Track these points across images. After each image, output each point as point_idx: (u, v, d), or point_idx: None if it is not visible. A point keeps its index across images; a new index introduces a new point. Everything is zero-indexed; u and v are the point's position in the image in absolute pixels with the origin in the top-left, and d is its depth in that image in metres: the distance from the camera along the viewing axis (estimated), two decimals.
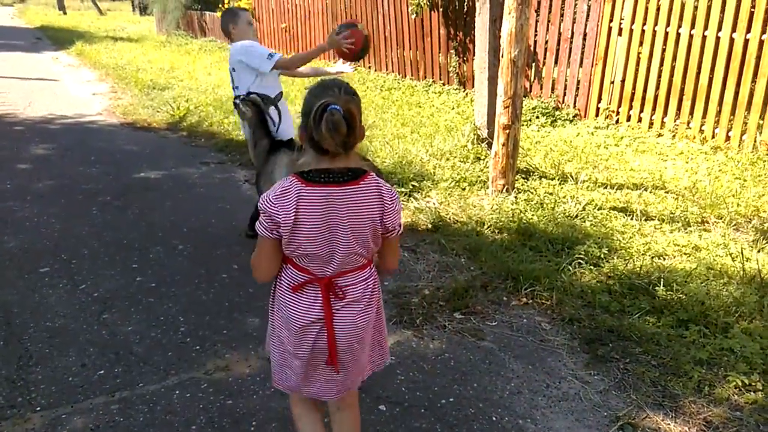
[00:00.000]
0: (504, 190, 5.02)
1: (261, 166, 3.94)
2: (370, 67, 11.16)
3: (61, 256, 4.13)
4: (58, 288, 3.70)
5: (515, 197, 4.93)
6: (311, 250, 1.76)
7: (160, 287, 3.72)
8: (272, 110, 4.01)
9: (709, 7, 6.28)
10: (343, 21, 3.78)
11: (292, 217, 1.71)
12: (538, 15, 7.87)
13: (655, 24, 6.72)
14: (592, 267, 3.79)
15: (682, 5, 6.48)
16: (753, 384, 2.72)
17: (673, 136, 6.67)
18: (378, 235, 1.82)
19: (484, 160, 5.83)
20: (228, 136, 7.15)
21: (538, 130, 7.19)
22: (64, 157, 6.45)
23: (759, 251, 4.03)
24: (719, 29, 6.23)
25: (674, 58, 6.65)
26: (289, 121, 4.16)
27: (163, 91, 9.80)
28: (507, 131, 4.90)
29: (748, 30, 6.00)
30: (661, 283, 3.50)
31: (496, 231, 4.39)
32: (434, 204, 4.94)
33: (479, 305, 3.46)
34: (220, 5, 16.53)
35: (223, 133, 7.28)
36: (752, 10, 5.95)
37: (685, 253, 3.98)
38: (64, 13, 36.05)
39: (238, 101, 3.91)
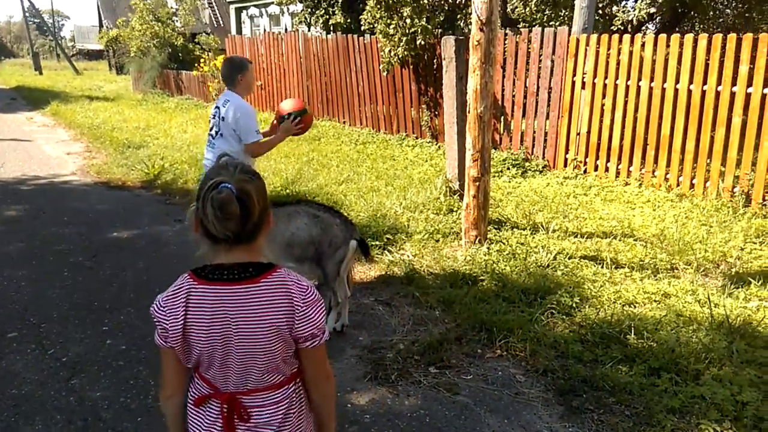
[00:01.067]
0: (477, 241, 5.08)
1: None
2: (344, 122, 11.36)
3: (30, 320, 4.05)
4: (26, 353, 3.62)
5: (488, 248, 4.99)
6: (207, 363, 1.50)
7: (130, 350, 3.65)
8: None
9: (666, 61, 6.58)
10: (291, 106, 3.99)
11: (181, 323, 1.46)
12: (504, 71, 8.15)
13: (616, 78, 7.01)
14: (564, 316, 3.83)
15: (641, 59, 6.78)
16: (724, 431, 2.74)
17: (640, 184, 6.86)
18: (290, 346, 1.50)
19: (456, 211, 5.92)
20: None
21: (509, 181, 7.34)
22: (37, 218, 6.39)
23: (728, 296, 4.11)
24: (677, 82, 6.51)
25: (636, 110, 6.91)
26: None
27: (138, 149, 9.84)
28: (477, 183, 5.01)
29: (704, 82, 6.29)
30: (632, 331, 3.55)
31: (470, 282, 4.42)
32: (408, 256, 4.98)
33: (454, 358, 3.45)
34: (197, 65, 16.81)
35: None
36: (707, 62, 6.25)
37: (654, 301, 4.05)
38: (40, 73, 36.27)
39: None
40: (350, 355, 3.56)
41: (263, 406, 1.52)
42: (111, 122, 13.03)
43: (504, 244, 5.09)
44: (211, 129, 4.30)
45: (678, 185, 6.57)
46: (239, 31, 23.36)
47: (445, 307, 4.07)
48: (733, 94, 6.07)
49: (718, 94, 6.19)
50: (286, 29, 19.26)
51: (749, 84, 5.93)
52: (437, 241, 5.30)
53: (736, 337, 3.47)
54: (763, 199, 5.86)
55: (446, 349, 3.52)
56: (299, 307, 1.47)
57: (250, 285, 1.46)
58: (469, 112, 4.94)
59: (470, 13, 4.66)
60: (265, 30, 21.04)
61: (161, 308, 1.51)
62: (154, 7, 19.81)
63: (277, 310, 1.46)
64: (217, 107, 4.24)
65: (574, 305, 3.96)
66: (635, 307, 3.99)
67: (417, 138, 9.77)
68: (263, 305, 1.46)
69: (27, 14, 43.74)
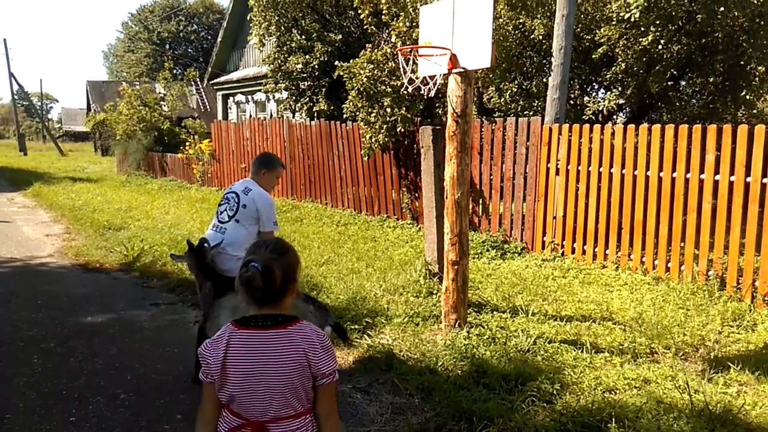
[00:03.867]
0: (456, 325, 5.06)
1: (207, 309, 3.92)
2: (326, 203, 11.51)
3: None
4: None
5: (468, 332, 4.96)
6: (240, 394, 1.84)
7: None
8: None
9: (636, 149, 6.85)
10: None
11: (221, 360, 1.83)
12: (481, 156, 8.41)
13: (589, 164, 7.25)
14: (545, 404, 3.77)
15: (612, 147, 7.06)
16: None
17: (617, 267, 6.96)
18: (308, 381, 1.86)
19: (436, 294, 5.92)
20: (181, 275, 7.10)
21: (489, 263, 7.40)
22: (9, 302, 6.25)
23: (708, 381, 4.10)
24: (647, 169, 6.76)
25: (610, 195, 7.12)
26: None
27: (118, 231, 9.81)
28: (455, 267, 5.05)
29: (674, 169, 6.53)
30: (613, 420, 3.50)
31: (450, 368, 4.37)
32: (388, 341, 4.92)
33: None
34: (182, 148, 17.09)
35: (177, 273, 7.23)
36: (675, 150, 6.52)
37: (635, 387, 4.02)
38: (25, 154, 36.57)
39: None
40: None
41: (287, 430, 1.85)
42: (93, 204, 13.04)
43: (484, 327, 5.07)
44: (220, 213, 4.34)
45: (654, 268, 6.67)
46: (226, 116, 23.96)
47: (425, 395, 3.99)
48: (701, 181, 6.29)
49: (687, 180, 6.42)
50: (271, 115, 19.80)
51: (716, 171, 6.17)
52: (417, 324, 5.27)
53: (717, 424, 3.44)
54: (738, 283, 5.96)
55: None
56: (318, 350, 1.85)
57: (279, 330, 1.86)
58: (446, 197, 5.06)
59: (447, 103, 4.87)
60: (251, 115, 21.62)
61: (207, 347, 1.87)
62: (143, 93, 20.33)
63: (300, 351, 1.83)
64: (235, 192, 4.32)
65: (554, 392, 3.91)
66: (616, 393, 3.95)
67: (398, 219, 9.89)
68: (289, 347, 1.83)
69: (15, 97, 44.57)
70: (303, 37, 13.53)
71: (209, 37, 43.94)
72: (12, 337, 5.23)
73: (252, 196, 4.28)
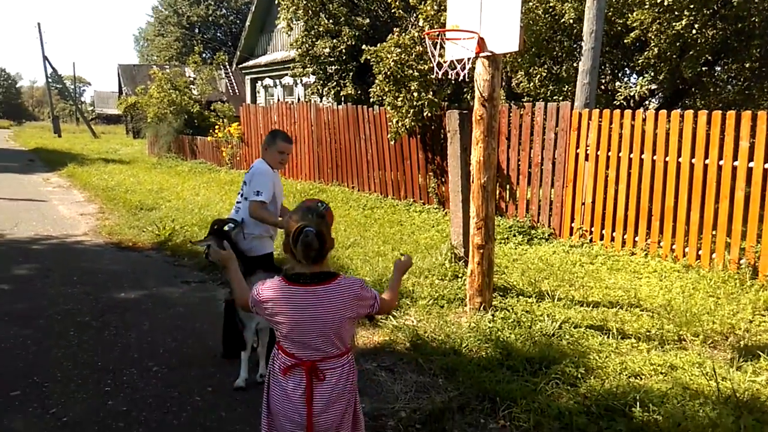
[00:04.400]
0: (481, 308, 5.08)
1: None
2: (353, 187, 11.57)
3: (34, 378, 4.05)
4: (28, 412, 3.60)
5: (492, 315, 4.98)
6: (294, 339, 2.19)
7: (131, 411, 3.63)
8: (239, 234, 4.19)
9: (667, 135, 6.74)
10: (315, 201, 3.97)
11: (271, 303, 2.21)
12: (509, 142, 8.36)
13: (619, 150, 7.16)
14: (569, 387, 3.78)
15: (643, 133, 6.95)
16: None
17: (646, 254, 6.88)
18: (353, 322, 2.27)
19: (461, 278, 5.94)
20: None
21: (515, 248, 7.39)
22: (47, 277, 6.46)
23: (736, 369, 4.06)
24: (679, 155, 6.65)
25: (640, 181, 7.03)
26: (265, 237, 4.29)
27: (150, 211, 10.02)
28: (481, 251, 5.06)
29: (706, 156, 6.41)
30: (638, 404, 3.50)
31: (474, 350, 4.40)
32: (413, 322, 4.97)
33: (456, 428, 3.41)
34: (211, 131, 17.30)
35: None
36: (707, 137, 6.40)
37: (661, 373, 4.00)
38: (59, 136, 37.35)
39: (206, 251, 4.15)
40: None
41: (333, 369, 2.21)
42: (125, 184, 13.32)
43: (509, 311, 5.09)
44: (240, 193, 4.45)
45: (684, 256, 6.59)
46: (254, 100, 24.13)
47: (449, 375, 4.04)
48: (735, 168, 6.18)
49: (720, 168, 6.31)
50: (299, 99, 19.88)
51: (750, 159, 6.05)
52: (442, 307, 5.31)
53: (743, 412, 3.41)
54: None
55: (448, 419, 3.48)
56: (361, 293, 2.25)
57: (327, 286, 2.20)
58: (473, 182, 5.06)
59: (475, 88, 4.86)
60: (278, 99, 21.74)
61: (259, 291, 2.25)
62: (173, 77, 20.58)
63: (346, 300, 2.20)
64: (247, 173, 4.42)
65: (579, 376, 3.92)
66: (641, 378, 3.95)
67: (424, 204, 9.91)
68: (336, 298, 2.19)
69: (50, 80, 45.45)
70: (330, 21, 13.53)
71: (238, 21, 44.11)
72: (49, 310, 5.41)
73: (251, 170, 4.33)
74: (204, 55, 31.12)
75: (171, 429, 3.44)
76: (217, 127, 17.15)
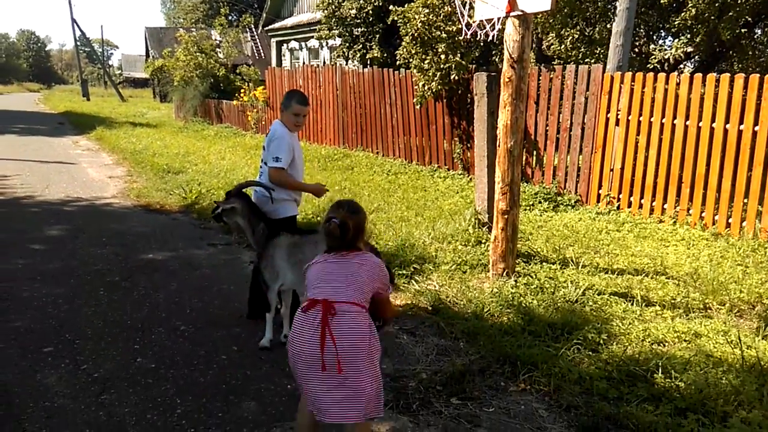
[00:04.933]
0: (504, 274, 5.07)
1: (262, 249, 4.05)
2: (378, 153, 11.52)
3: (66, 336, 4.19)
4: (60, 368, 3.73)
5: (515, 281, 4.97)
6: (315, 283, 2.49)
7: (159, 368, 3.74)
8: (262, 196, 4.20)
9: (701, 100, 6.54)
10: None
11: (308, 266, 2.60)
12: (538, 106, 8.20)
13: (651, 115, 6.98)
14: (590, 353, 3.78)
15: (676, 97, 6.75)
16: None
17: (674, 222, 6.76)
18: (370, 286, 2.49)
19: (485, 243, 5.92)
20: None
21: (541, 215, 7.32)
22: (77, 238, 6.62)
23: (762, 339, 4.01)
24: (713, 121, 6.46)
25: (671, 147, 6.86)
26: (289, 200, 4.30)
27: (177, 175, 10.13)
28: (505, 216, 5.02)
29: (741, 122, 6.22)
30: (660, 370, 3.48)
31: (496, 315, 4.41)
32: (435, 287, 4.99)
33: (476, 390, 3.44)
34: (237, 95, 17.29)
35: None
36: (743, 101, 6.19)
37: (684, 340, 3.97)
38: (88, 99, 37.76)
39: (219, 211, 4.12)
40: None
41: (348, 312, 2.39)
42: (152, 148, 13.46)
43: (532, 277, 5.07)
44: (262, 159, 4.46)
45: (713, 224, 6.46)
46: (279, 63, 24.01)
47: (470, 339, 4.06)
48: None
49: (755, 134, 6.12)
50: (324, 62, 19.72)
51: None
52: (464, 272, 5.31)
53: (767, 380, 3.38)
54: None
55: (469, 381, 3.51)
56: (382, 270, 2.56)
57: (358, 252, 2.53)
58: (499, 146, 4.99)
59: (504, 50, 4.75)
60: (304, 63, 21.59)
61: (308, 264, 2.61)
62: (199, 40, 20.53)
63: (369, 266, 2.52)
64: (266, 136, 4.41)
65: (601, 342, 3.91)
66: (664, 346, 3.92)
67: (449, 170, 9.83)
68: (362, 261, 2.51)
69: (78, 43, 45.75)
70: None
71: None
72: (80, 270, 5.55)
73: (269, 134, 4.28)
74: (230, 17, 30.92)
75: (198, 386, 3.54)
76: (242, 90, 17.13)
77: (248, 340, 4.15)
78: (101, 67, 54.63)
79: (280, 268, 3.94)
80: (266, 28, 24.60)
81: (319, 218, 7.13)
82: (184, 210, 8.04)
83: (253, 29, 30.03)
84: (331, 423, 2.45)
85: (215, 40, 21.89)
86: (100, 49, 62.10)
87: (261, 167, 4.44)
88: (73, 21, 40.90)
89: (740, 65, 10.44)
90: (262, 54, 31.38)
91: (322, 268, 2.52)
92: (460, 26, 8.51)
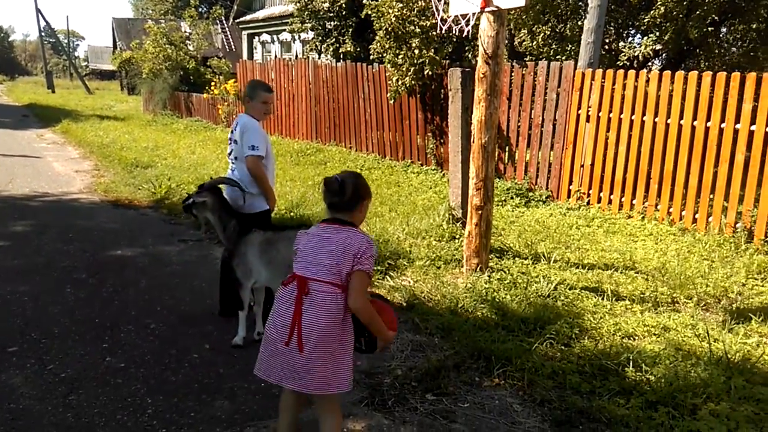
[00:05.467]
0: (478, 269, 5.10)
1: (234, 247, 3.99)
2: (351, 147, 11.47)
3: (31, 335, 4.07)
4: (26, 368, 3.63)
5: (489, 276, 5.00)
6: (299, 257, 2.51)
7: (129, 368, 3.66)
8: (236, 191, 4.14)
9: (670, 97, 6.66)
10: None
11: (299, 237, 2.59)
12: (510, 102, 8.25)
13: (621, 112, 7.08)
14: (563, 347, 3.82)
15: (646, 94, 6.86)
16: None
17: (643, 217, 6.88)
18: (347, 265, 2.40)
19: (459, 239, 5.94)
20: None
21: (513, 211, 7.38)
22: (43, 234, 6.45)
23: (728, 332, 4.10)
24: (681, 118, 6.58)
25: (640, 144, 6.97)
26: (261, 195, 4.24)
27: (146, 169, 9.94)
28: (479, 212, 5.05)
29: (708, 119, 6.35)
30: (631, 364, 3.54)
31: (470, 310, 4.43)
32: (409, 282, 4.99)
33: (451, 386, 3.45)
34: (207, 88, 17.05)
35: None
36: (711, 99, 6.32)
37: (654, 334, 4.04)
38: (53, 91, 36.84)
39: (191, 203, 4.05)
40: None
41: (321, 291, 2.40)
42: (120, 141, 13.19)
43: (505, 272, 5.11)
44: (229, 153, 4.37)
45: (681, 219, 6.59)
46: (251, 56, 23.74)
47: (445, 334, 4.07)
48: (736, 132, 6.12)
49: (721, 131, 6.25)
50: (296, 56, 19.56)
51: (752, 122, 5.99)
52: (439, 268, 5.32)
53: (734, 372, 3.46)
54: (766, 236, 5.87)
55: (444, 377, 3.52)
56: (364, 248, 2.42)
57: (343, 228, 2.48)
58: (473, 142, 5.00)
59: (478, 46, 4.76)
60: (276, 56, 21.38)
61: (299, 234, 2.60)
62: (168, 31, 20.17)
63: (350, 243, 2.42)
64: (232, 131, 4.33)
65: (573, 336, 3.96)
66: (634, 339, 3.99)
67: (422, 165, 9.85)
68: (343, 238, 2.44)
69: (43, 34, 44.56)
70: None
71: None
72: (46, 267, 5.41)
73: (239, 128, 4.21)
74: (200, 9, 30.40)
75: (169, 385, 3.48)
76: (213, 83, 16.90)
77: (221, 337, 4.09)
78: (67, 58, 53.30)
79: (254, 266, 3.89)
80: (237, 20, 24.30)
81: (292, 213, 7.08)
82: (154, 205, 7.90)
83: (224, 21, 29.62)
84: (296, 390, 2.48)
85: (185, 32, 21.53)
86: (66, 40, 60.60)
87: (232, 163, 4.36)
88: (38, 11, 39.81)
89: (707, 63, 10.66)
90: (233, 46, 30.98)
91: (310, 236, 2.53)
92: (433, 21, 8.53)
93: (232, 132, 4.34)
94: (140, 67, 20.27)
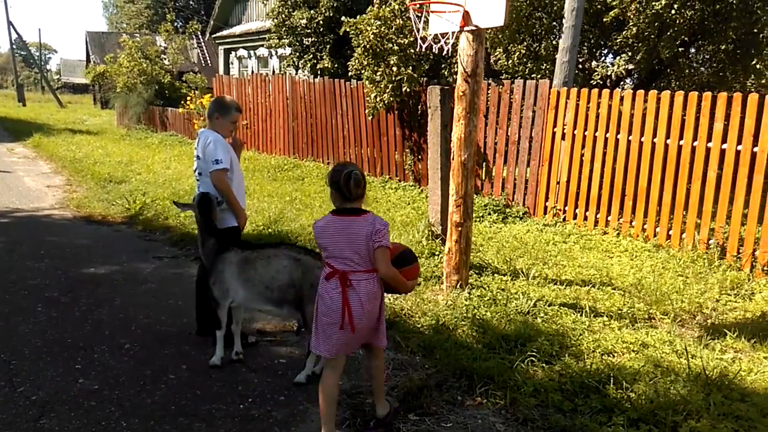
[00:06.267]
0: (458, 286, 5.10)
1: (210, 265, 3.93)
2: (329, 163, 11.45)
3: (0, 356, 3.95)
4: None
5: (469, 293, 5.00)
6: (332, 252, 2.91)
7: (103, 390, 3.56)
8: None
9: (643, 116, 6.79)
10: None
11: (320, 232, 2.96)
12: (487, 119, 8.33)
13: (596, 130, 7.20)
14: (544, 364, 3.83)
15: (620, 113, 6.99)
16: None
17: (618, 233, 6.97)
18: (370, 250, 2.87)
19: (438, 255, 5.95)
20: (184, 229, 7.13)
21: (490, 227, 7.42)
22: (13, 251, 6.28)
23: (704, 347, 4.15)
24: (654, 136, 6.71)
25: (615, 161, 7.08)
26: (228, 211, 4.18)
27: (119, 184, 9.79)
28: (459, 229, 5.06)
29: (681, 137, 6.48)
30: (612, 381, 3.56)
31: (451, 327, 4.42)
32: (390, 300, 4.96)
33: (434, 405, 3.42)
34: (183, 102, 16.92)
35: (179, 227, 7.25)
36: (683, 118, 6.46)
37: (633, 351, 4.07)
38: (24, 105, 36.22)
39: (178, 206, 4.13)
40: None
41: (359, 280, 2.90)
42: (93, 156, 12.98)
43: (485, 289, 5.11)
44: (195, 170, 4.30)
45: (655, 236, 6.69)
46: (227, 71, 23.64)
47: (426, 353, 4.05)
48: (708, 150, 6.26)
49: (693, 149, 6.38)
50: (273, 71, 19.54)
51: (724, 140, 6.13)
52: (419, 284, 5.31)
53: (713, 389, 3.50)
54: (738, 252, 5.98)
55: (426, 396, 3.49)
56: (377, 228, 2.86)
57: (357, 218, 2.90)
58: (453, 159, 5.03)
59: (454, 63, 4.81)
60: (252, 71, 21.32)
61: (316, 224, 2.99)
62: (143, 45, 20.01)
63: (367, 229, 2.86)
64: (196, 146, 4.24)
65: (554, 353, 3.97)
66: (614, 356, 4.01)
67: (400, 181, 9.87)
68: (361, 227, 2.87)
69: (14, 46, 43.85)
70: None
71: None
72: (17, 285, 5.27)
73: (201, 142, 4.12)
74: (176, 23, 30.26)
75: (145, 408, 3.39)
76: (188, 98, 16.76)
77: (198, 358, 4.01)
78: (39, 71, 52.46)
79: (231, 286, 3.83)
80: (214, 35, 24.21)
81: (270, 229, 7.02)
82: (128, 221, 7.77)
83: (200, 36, 29.50)
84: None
85: (160, 46, 21.39)
86: (38, 53, 59.66)
87: (198, 180, 4.24)
88: (9, 23, 39.19)
89: (677, 82, 10.91)
90: (209, 61, 30.85)
91: (334, 232, 2.91)
92: (411, 39, 8.60)
93: (195, 148, 4.24)
94: (114, 81, 20.04)
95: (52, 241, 6.71)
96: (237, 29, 22.55)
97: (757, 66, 9.72)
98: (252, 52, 22.04)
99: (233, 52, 23.58)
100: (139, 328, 4.50)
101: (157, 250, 6.50)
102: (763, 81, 11.10)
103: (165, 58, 20.68)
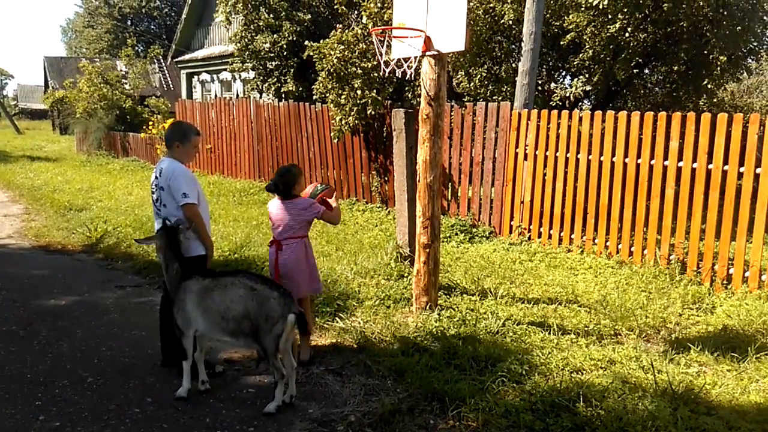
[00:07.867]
0: (427, 307, 5.10)
1: (174, 292, 3.85)
2: None
3: None
4: None
5: (439, 314, 5.01)
6: (273, 226, 4.28)
7: (65, 426, 3.44)
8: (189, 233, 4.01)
9: (602, 135, 6.97)
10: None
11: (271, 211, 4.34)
12: (451, 141, 8.44)
13: (556, 150, 7.35)
14: (515, 384, 3.85)
15: (579, 134, 7.16)
16: None
17: (582, 251, 7.10)
18: (307, 220, 4.30)
19: (407, 277, 5.95)
20: (147, 257, 6.97)
21: (458, 247, 7.47)
22: None
23: (670, 362, 4.23)
24: (613, 155, 6.88)
25: (576, 180, 7.23)
26: (196, 240, 4.11)
27: (80, 212, 9.56)
28: (427, 250, 5.08)
29: (639, 156, 6.67)
30: (581, 399, 3.59)
31: (422, 350, 4.41)
32: (359, 323, 4.94)
33: (407, 430, 3.40)
34: (145, 127, 16.69)
35: (142, 255, 7.09)
36: (640, 137, 6.65)
37: (601, 368, 4.13)
38: None
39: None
40: (299, 429, 3.45)
41: (289, 245, 4.21)
42: (52, 183, 12.67)
43: (454, 310, 5.13)
44: (156, 201, 4.18)
45: (617, 252, 6.83)
46: (190, 95, 23.45)
47: (397, 376, 4.03)
48: (665, 167, 6.44)
49: (651, 167, 6.57)
50: (237, 95, 19.46)
51: (680, 158, 6.32)
52: (388, 307, 5.30)
53: (679, 403, 3.56)
54: (698, 267, 6.15)
55: (398, 421, 3.47)
56: (310, 204, 4.24)
57: (292, 201, 4.24)
58: (419, 181, 5.07)
59: (418, 86, 4.88)
60: (216, 95, 21.21)
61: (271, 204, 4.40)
62: (103, 70, 19.73)
63: (298, 208, 4.23)
64: (156, 176, 4.14)
65: (524, 373, 3.99)
66: (583, 374, 4.06)
67: (367, 203, 9.88)
68: (294, 207, 4.23)
69: None
70: (271, 15, 13.30)
71: (173, 14, 42.74)
72: None
73: (164, 174, 4.04)
74: (137, 48, 29.96)
75: None
76: (150, 123, 16.54)
77: (163, 390, 3.91)
78: None
79: (192, 314, 3.76)
80: (176, 59, 24.04)
81: (236, 255, 6.94)
82: (89, 249, 7.57)
83: (162, 60, 29.27)
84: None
85: (121, 70, 21.13)
86: None
87: (158, 210, 4.13)
88: None
89: (633, 103, 11.26)
90: (172, 85, 30.56)
91: (276, 210, 4.26)
92: (375, 63, 8.69)
93: (155, 177, 4.13)
94: (74, 107, 19.66)
95: (8, 273, 6.49)
96: (199, 53, 22.45)
97: (709, 86, 10.10)
98: (215, 76, 21.94)
99: (196, 76, 23.43)
100: (101, 360, 4.37)
101: (120, 279, 6.35)
102: (715, 100, 11.55)
103: (126, 83, 20.42)
